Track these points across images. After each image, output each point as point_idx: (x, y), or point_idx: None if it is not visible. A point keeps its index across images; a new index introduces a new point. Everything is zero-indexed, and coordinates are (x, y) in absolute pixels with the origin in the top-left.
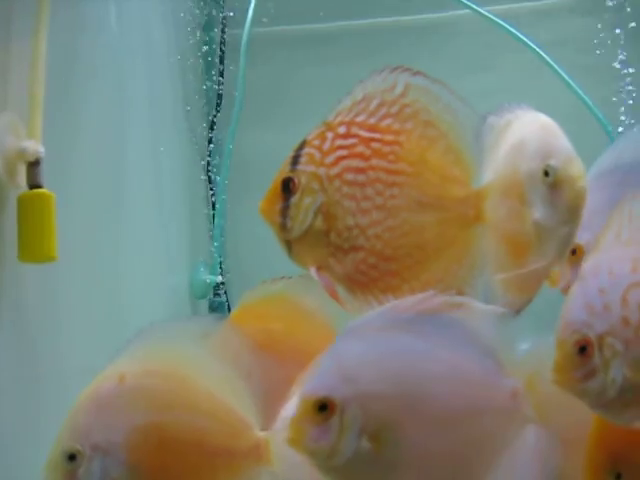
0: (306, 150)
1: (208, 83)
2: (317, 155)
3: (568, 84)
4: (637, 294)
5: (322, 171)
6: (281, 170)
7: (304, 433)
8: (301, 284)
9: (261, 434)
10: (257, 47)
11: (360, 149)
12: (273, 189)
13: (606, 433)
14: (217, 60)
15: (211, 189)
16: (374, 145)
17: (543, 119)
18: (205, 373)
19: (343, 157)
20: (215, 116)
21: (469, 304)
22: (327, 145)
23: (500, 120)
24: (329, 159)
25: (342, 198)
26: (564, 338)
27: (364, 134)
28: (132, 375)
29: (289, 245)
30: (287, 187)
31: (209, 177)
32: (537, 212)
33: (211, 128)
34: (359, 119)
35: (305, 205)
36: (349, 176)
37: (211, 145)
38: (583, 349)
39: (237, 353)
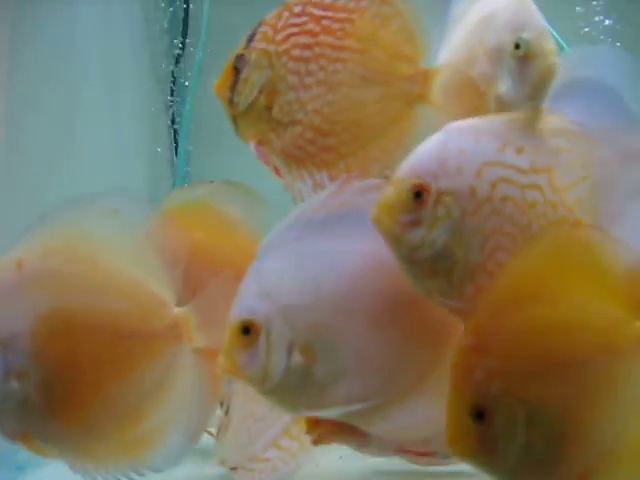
0: (261, 28)
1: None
2: (270, 33)
3: None
4: (494, 172)
5: (272, 48)
6: (237, 48)
7: (236, 360)
8: (224, 191)
9: (179, 310)
10: None
11: (310, 26)
12: (226, 67)
13: (468, 372)
14: None
15: (174, 132)
16: (324, 22)
17: None
18: (114, 251)
19: (293, 34)
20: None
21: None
22: (281, 23)
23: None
24: (280, 36)
25: (287, 73)
26: (404, 177)
27: (317, 12)
28: (31, 260)
29: (235, 120)
30: (238, 64)
31: (172, 119)
32: (503, 86)
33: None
34: None
35: (252, 80)
36: (296, 52)
37: (174, 87)
38: (418, 194)
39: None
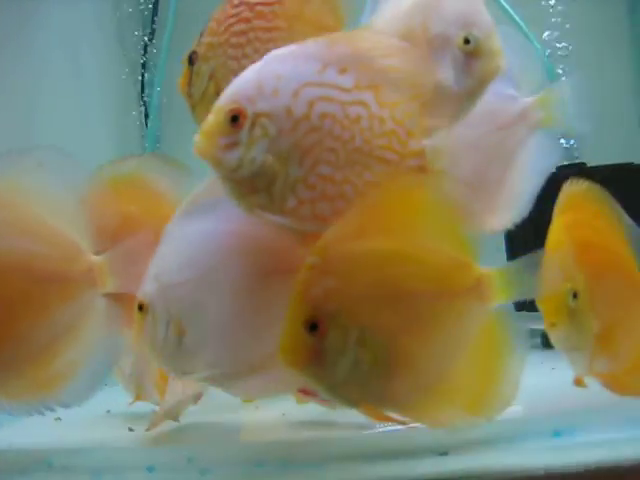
0: (209, 24)
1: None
2: (215, 26)
3: None
4: (312, 92)
5: (215, 40)
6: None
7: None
8: (153, 164)
9: (95, 258)
10: None
11: (245, 14)
12: (184, 63)
13: (307, 288)
14: None
15: (145, 115)
16: (258, 8)
17: None
18: (35, 199)
19: (231, 24)
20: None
21: None
22: (223, 16)
23: None
24: (222, 28)
25: (227, 60)
26: (222, 105)
27: (252, 0)
28: None
29: (194, 110)
30: (191, 59)
31: (142, 101)
32: (444, 73)
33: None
34: None
35: (202, 72)
36: (233, 40)
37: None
38: (235, 118)
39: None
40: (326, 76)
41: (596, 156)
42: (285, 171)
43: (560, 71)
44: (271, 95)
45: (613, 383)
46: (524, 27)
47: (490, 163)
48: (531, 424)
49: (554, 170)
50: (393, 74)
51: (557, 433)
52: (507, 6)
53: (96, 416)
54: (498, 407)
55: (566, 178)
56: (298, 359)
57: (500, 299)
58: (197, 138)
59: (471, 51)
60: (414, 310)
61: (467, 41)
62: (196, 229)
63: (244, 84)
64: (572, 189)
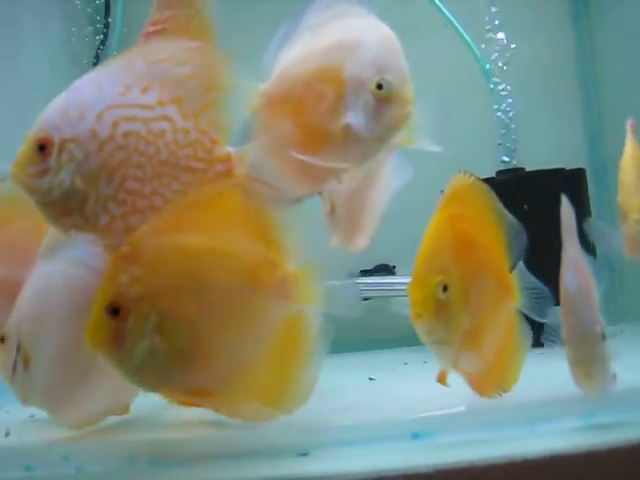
0: None
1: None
2: None
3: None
4: (115, 114)
5: None
6: None
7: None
8: None
9: None
10: None
11: None
12: None
13: (115, 274)
14: None
15: None
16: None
17: (386, 30)
18: None
19: None
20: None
21: None
22: None
23: (327, 9)
24: None
25: None
26: (31, 134)
27: None
28: None
29: None
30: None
31: None
32: (354, 117)
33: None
34: None
35: None
36: None
37: None
38: (42, 147)
39: None
40: (129, 97)
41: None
42: (95, 191)
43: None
44: (76, 120)
45: (475, 382)
46: (465, 36)
47: (360, 186)
48: (390, 427)
49: (492, 175)
50: (191, 83)
51: (416, 435)
52: (453, 19)
53: None
54: (295, 403)
55: (503, 183)
56: (99, 341)
57: (306, 298)
58: (11, 167)
59: (383, 97)
60: (217, 302)
61: (379, 86)
62: (46, 269)
63: (51, 112)
64: (457, 183)
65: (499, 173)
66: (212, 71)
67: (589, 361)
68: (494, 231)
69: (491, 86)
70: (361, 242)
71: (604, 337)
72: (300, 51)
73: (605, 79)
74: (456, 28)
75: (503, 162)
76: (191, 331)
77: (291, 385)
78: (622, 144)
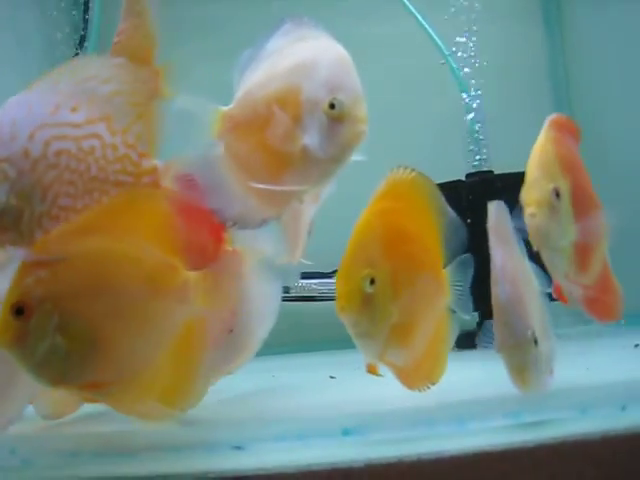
0: None
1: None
2: None
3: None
4: (47, 133)
5: None
6: None
7: None
8: None
9: None
10: None
11: None
12: None
13: (22, 275)
14: None
15: None
16: None
17: (340, 50)
18: None
19: None
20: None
21: None
22: None
23: (289, 34)
24: None
25: None
26: None
27: None
28: None
29: None
30: None
31: None
32: (310, 139)
33: None
34: None
35: None
36: None
37: None
38: None
39: None
40: (59, 116)
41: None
42: (30, 208)
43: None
44: (9, 140)
45: (403, 375)
46: (438, 40)
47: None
48: (322, 422)
49: (462, 178)
50: (117, 99)
51: (346, 431)
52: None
53: None
54: (189, 402)
55: (472, 185)
56: (5, 339)
57: (204, 302)
58: None
59: (335, 116)
60: (118, 305)
61: (332, 106)
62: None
63: None
64: (393, 177)
65: (468, 176)
66: (137, 86)
67: (522, 367)
68: (430, 226)
69: (463, 95)
70: (295, 255)
71: (536, 342)
72: (262, 75)
73: (576, 82)
74: (429, 34)
75: (474, 165)
76: (91, 331)
77: (186, 385)
78: (594, 146)
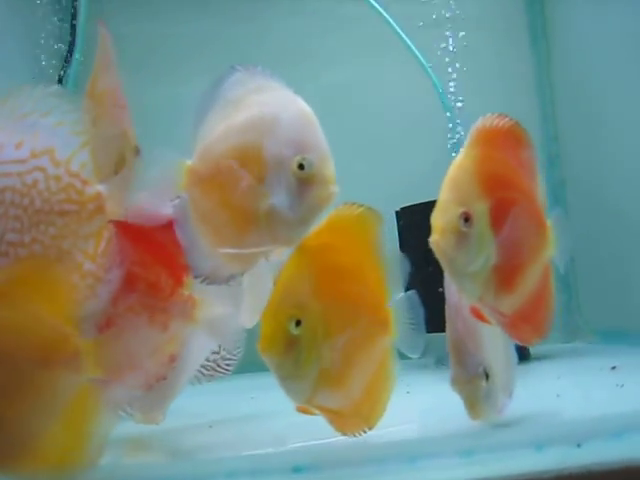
0: None
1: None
2: None
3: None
4: None
5: None
6: None
7: None
8: None
9: None
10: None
11: None
12: None
13: None
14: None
15: None
16: None
17: (302, 104)
18: None
19: None
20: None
21: None
22: None
23: (244, 84)
24: None
25: None
26: None
27: None
28: None
29: None
30: None
31: None
32: (277, 199)
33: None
34: None
35: None
36: None
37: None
38: None
39: None
40: (4, 154)
41: None
42: None
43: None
44: None
45: (336, 419)
46: (422, 60)
47: None
48: (274, 458)
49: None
50: (59, 130)
51: (297, 469)
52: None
53: None
54: (83, 465)
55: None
56: None
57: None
58: None
59: (305, 177)
60: (6, 375)
61: (301, 166)
62: None
63: None
64: (338, 213)
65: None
66: (78, 115)
67: (474, 401)
68: (372, 263)
69: (448, 114)
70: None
71: (487, 377)
72: (220, 127)
73: (562, 101)
74: (413, 52)
75: None
76: None
77: (78, 451)
78: (580, 164)
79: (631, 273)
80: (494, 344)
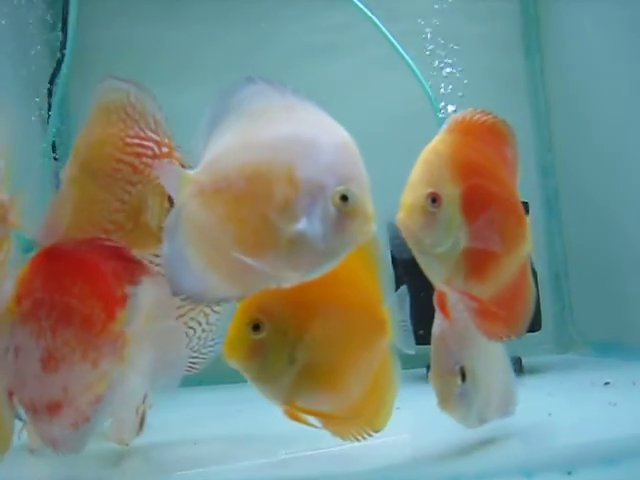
0: None
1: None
2: None
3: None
4: None
5: None
6: None
7: None
8: None
9: None
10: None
11: None
12: None
13: None
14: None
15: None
16: None
17: (344, 132)
18: None
19: None
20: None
21: None
22: None
23: (264, 97)
24: None
25: None
26: None
27: None
28: None
29: None
30: None
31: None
32: (307, 225)
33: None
34: None
35: None
36: None
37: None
38: None
39: None
40: None
41: None
42: None
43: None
44: None
45: (332, 423)
46: (416, 70)
47: None
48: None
49: None
50: None
51: None
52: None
53: None
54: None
55: None
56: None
57: None
58: None
59: (346, 210)
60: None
61: (344, 198)
62: None
63: None
64: None
65: None
66: None
67: (445, 395)
68: (364, 264)
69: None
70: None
71: (463, 378)
72: (235, 139)
73: (556, 112)
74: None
75: None
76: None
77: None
78: (573, 174)
79: (625, 284)
80: (483, 353)
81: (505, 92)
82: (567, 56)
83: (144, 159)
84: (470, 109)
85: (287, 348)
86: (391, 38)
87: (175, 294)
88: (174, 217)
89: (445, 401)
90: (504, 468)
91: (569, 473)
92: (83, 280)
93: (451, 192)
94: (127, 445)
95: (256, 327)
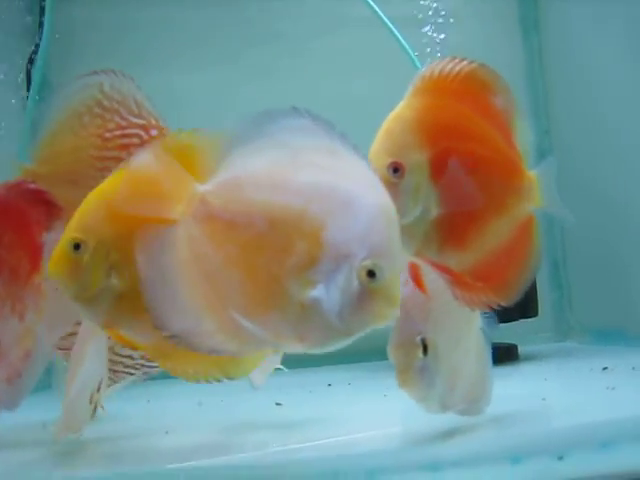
0: None
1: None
2: None
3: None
4: None
5: None
6: None
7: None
8: None
9: None
10: None
11: None
12: None
13: None
14: None
15: None
16: None
17: (385, 196)
18: None
19: None
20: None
21: None
22: None
23: (307, 134)
24: None
25: None
26: None
27: None
28: None
29: None
30: None
31: None
32: (325, 294)
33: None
34: None
35: None
36: None
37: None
38: None
39: None
40: None
41: None
42: None
43: None
44: None
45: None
46: (412, 55)
47: None
48: None
49: None
50: None
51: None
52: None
53: None
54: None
55: None
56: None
57: None
58: None
59: (371, 288)
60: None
61: (371, 273)
62: None
63: None
64: None
65: None
66: None
67: (404, 368)
68: None
69: None
70: None
71: (425, 351)
72: (270, 172)
73: (554, 95)
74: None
75: None
76: None
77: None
78: (572, 158)
79: (625, 271)
80: (452, 329)
81: (501, 74)
82: (565, 37)
83: (131, 149)
84: (445, 58)
85: (106, 269)
86: (386, 20)
87: (159, 330)
88: (170, 236)
89: (403, 373)
90: (488, 454)
91: (560, 458)
92: (12, 229)
93: (417, 159)
94: (80, 434)
95: (77, 246)
